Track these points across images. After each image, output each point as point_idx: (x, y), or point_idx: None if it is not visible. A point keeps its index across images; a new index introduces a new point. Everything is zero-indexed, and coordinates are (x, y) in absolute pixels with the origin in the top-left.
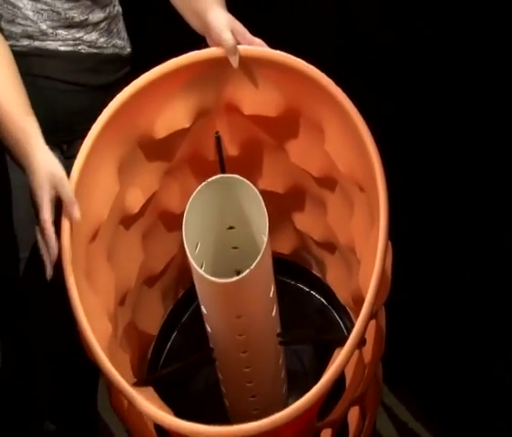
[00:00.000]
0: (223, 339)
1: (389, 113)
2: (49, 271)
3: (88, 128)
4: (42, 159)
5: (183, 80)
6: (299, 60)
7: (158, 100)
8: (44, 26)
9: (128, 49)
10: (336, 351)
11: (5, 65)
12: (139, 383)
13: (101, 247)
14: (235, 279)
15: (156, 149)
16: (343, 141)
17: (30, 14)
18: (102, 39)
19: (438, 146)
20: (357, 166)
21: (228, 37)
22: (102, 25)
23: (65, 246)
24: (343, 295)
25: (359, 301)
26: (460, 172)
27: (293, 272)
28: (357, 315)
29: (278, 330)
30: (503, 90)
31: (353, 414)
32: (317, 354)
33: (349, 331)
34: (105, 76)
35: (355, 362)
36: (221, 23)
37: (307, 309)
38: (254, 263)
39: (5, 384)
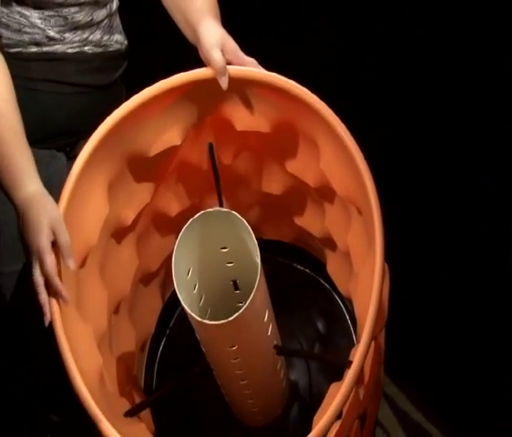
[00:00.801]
0: (218, 361)
1: (386, 134)
2: (46, 322)
3: (92, 129)
4: (37, 194)
5: (173, 100)
6: (289, 81)
7: (149, 120)
8: (51, 33)
9: (126, 42)
10: (333, 386)
11: (5, 89)
12: (134, 410)
13: (92, 267)
14: (227, 320)
15: (147, 166)
16: (338, 162)
17: (38, 22)
18: (106, 37)
19: (437, 166)
20: (353, 189)
21: (217, 57)
22: (104, 22)
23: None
24: (342, 288)
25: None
26: (459, 190)
27: (297, 256)
28: (357, 305)
29: (275, 343)
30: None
31: (352, 428)
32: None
33: (350, 315)
34: (108, 75)
35: (352, 395)
36: (212, 40)
37: (310, 292)
38: (247, 303)
39: (9, 377)
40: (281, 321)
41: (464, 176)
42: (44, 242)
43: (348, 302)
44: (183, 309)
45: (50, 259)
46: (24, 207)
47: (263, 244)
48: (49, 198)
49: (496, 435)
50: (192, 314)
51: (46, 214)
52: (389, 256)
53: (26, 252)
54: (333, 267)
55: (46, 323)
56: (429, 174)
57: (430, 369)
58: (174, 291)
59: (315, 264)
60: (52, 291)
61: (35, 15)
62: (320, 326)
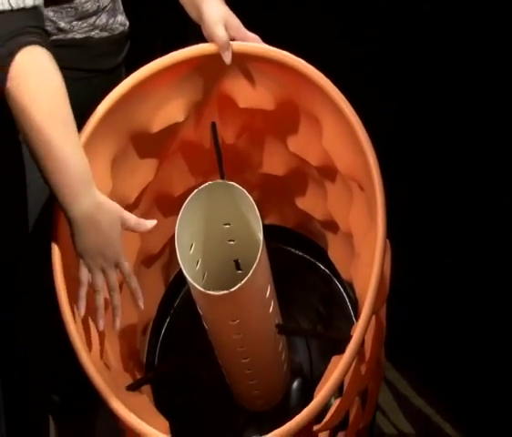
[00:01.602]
0: (220, 337)
1: (389, 111)
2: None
3: None
4: (102, 199)
5: (177, 75)
6: (292, 56)
7: (153, 95)
8: (62, 24)
9: (127, 23)
10: (334, 359)
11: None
12: (135, 385)
13: None
14: (229, 291)
15: (150, 143)
16: (340, 139)
17: (50, 14)
18: (111, 20)
19: (440, 144)
20: (355, 165)
21: (221, 33)
22: (109, 5)
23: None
24: (344, 271)
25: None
26: (461, 169)
27: (298, 243)
28: (358, 285)
29: (276, 322)
30: None
31: (353, 406)
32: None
33: (351, 301)
34: (113, 59)
35: (353, 370)
36: (215, 16)
37: (311, 278)
38: (247, 276)
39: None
40: (282, 307)
41: (471, 153)
42: (121, 246)
43: (349, 288)
44: (186, 292)
45: (127, 263)
46: (88, 215)
47: (264, 229)
48: (109, 200)
49: (498, 421)
50: (195, 284)
51: (117, 219)
52: (391, 234)
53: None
54: (335, 251)
55: (101, 328)
56: (434, 150)
57: (432, 354)
58: (177, 275)
59: (316, 250)
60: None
61: (48, 9)
62: (321, 311)
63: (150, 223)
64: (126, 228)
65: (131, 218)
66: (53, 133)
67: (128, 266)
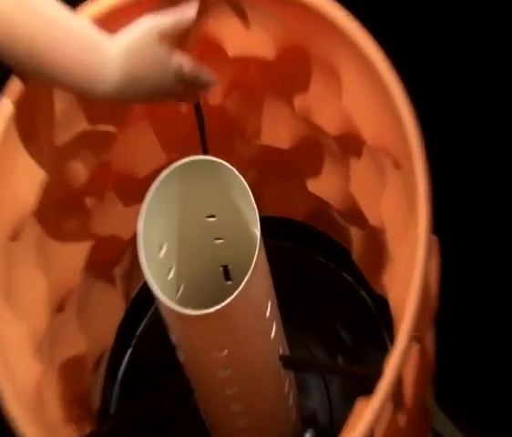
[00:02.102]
0: (201, 373)
1: (433, 62)
2: None
3: None
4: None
5: (141, 10)
6: None
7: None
8: None
9: None
10: (360, 403)
11: None
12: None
13: (27, 243)
14: (214, 309)
15: (104, 106)
16: (367, 99)
17: None
18: None
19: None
20: (387, 134)
21: None
22: None
23: None
24: (374, 280)
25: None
26: None
27: (311, 241)
28: (393, 298)
29: (281, 352)
30: None
31: None
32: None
33: (385, 319)
34: None
35: (387, 420)
36: None
37: (329, 289)
38: (239, 288)
39: None
40: (290, 328)
41: None
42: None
43: (382, 302)
44: (154, 313)
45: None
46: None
47: (264, 223)
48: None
49: None
50: (165, 300)
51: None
52: (439, 228)
53: None
54: (361, 251)
55: None
56: (490, 116)
57: (487, 398)
58: (141, 289)
59: (336, 250)
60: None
61: None
62: (342, 335)
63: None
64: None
65: (165, 19)
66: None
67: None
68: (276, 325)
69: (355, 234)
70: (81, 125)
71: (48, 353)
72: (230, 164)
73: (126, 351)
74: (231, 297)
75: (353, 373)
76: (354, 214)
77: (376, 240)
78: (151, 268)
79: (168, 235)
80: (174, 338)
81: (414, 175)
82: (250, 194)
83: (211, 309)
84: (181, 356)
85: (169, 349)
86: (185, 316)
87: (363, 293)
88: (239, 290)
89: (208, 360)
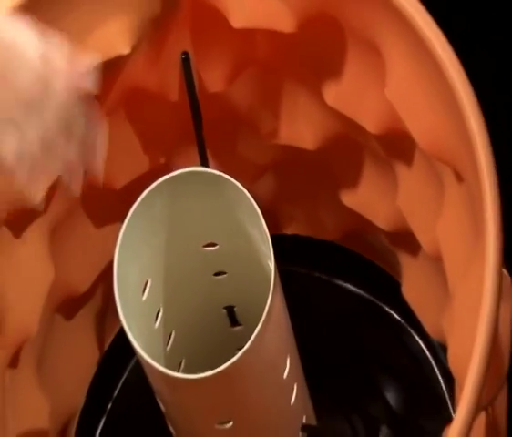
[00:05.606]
0: None
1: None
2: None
3: None
4: None
5: None
6: None
7: (72, 9)
8: None
9: None
10: None
11: None
12: None
13: None
14: (215, 371)
15: None
16: (420, 89)
17: None
18: None
19: None
20: (445, 136)
21: None
22: None
23: None
24: (429, 322)
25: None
26: None
27: (347, 268)
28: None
29: (304, 421)
30: None
31: None
32: None
33: (445, 373)
34: None
35: None
36: None
37: (372, 335)
38: (250, 341)
39: None
40: (317, 389)
41: None
42: None
43: (440, 351)
44: (135, 365)
45: None
46: None
47: (282, 245)
48: None
49: None
50: (152, 363)
51: None
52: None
53: None
54: (413, 285)
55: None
56: None
57: None
58: (120, 332)
59: (380, 281)
60: None
61: None
62: (389, 396)
63: None
64: None
65: None
66: None
67: None
68: (298, 386)
69: (405, 262)
70: None
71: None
72: (237, 172)
73: (99, 418)
74: (238, 355)
75: None
76: (403, 236)
77: (432, 272)
78: (131, 313)
79: (153, 269)
80: (163, 405)
81: (481, 191)
82: (261, 216)
83: (212, 372)
84: (173, 428)
85: (157, 414)
86: (177, 380)
87: (417, 338)
88: (248, 346)
89: (208, 435)
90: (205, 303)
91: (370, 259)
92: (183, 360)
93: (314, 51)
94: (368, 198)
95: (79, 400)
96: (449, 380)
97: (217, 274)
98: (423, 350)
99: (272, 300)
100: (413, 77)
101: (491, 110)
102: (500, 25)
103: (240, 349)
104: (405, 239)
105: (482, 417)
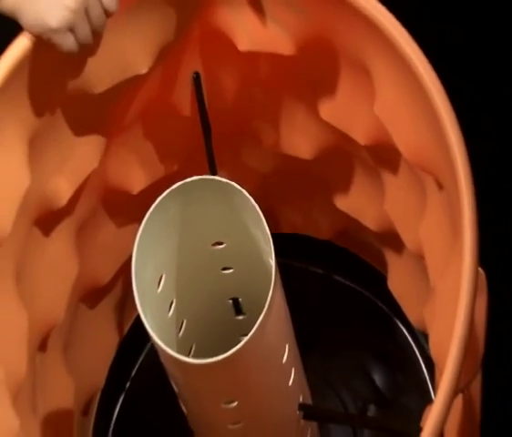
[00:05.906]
0: (207, 427)
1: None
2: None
3: None
4: None
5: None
6: None
7: None
8: None
9: None
10: None
11: None
12: None
13: (4, 271)
14: (223, 356)
15: (93, 111)
16: (405, 106)
17: None
18: None
19: None
20: (427, 148)
21: None
22: None
23: None
24: (412, 313)
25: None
26: None
27: (339, 263)
28: (434, 337)
29: (300, 400)
30: None
31: None
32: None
33: (426, 359)
34: None
35: None
36: None
37: (360, 321)
38: (252, 330)
39: None
40: (312, 371)
41: None
42: None
43: (423, 338)
44: (151, 349)
45: None
46: None
47: (281, 242)
48: None
49: None
50: (166, 348)
51: None
52: (487, 260)
53: None
54: (398, 280)
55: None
56: None
57: None
58: (137, 319)
59: (369, 275)
60: None
61: None
62: (376, 377)
63: None
64: None
65: None
66: None
67: None
68: (295, 369)
69: (391, 259)
70: (66, 136)
71: (28, 401)
72: (242, 179)
73: (118, 396)
74: (242, 342)
75: (387, 429)
76: (389, 236)
77: (415, 268)
78: (147, 303)
79: (167, 265)
80: (175, 386)
81: (459, 197)
82: (263, 218)
83: (219, 358)
84: (184, 406)
85: (170, 393)
86: (187, 364)
87: (402, 327)
88: (250, 335)
89: (215, 413)
90: (213, 295)
91: (360, 256)
92: (193, 346)
93: (311, 71)
94: (358, 202)
95: (100, 380)
96: (430, 365)
97: (224, 269)
98: (407, 338)
99: (273, 293)
100: (398, 96)
101: (469, 124)
102: (475, 49)
103: (244, 335)
104: (391, 239)
105: (459, 398)
